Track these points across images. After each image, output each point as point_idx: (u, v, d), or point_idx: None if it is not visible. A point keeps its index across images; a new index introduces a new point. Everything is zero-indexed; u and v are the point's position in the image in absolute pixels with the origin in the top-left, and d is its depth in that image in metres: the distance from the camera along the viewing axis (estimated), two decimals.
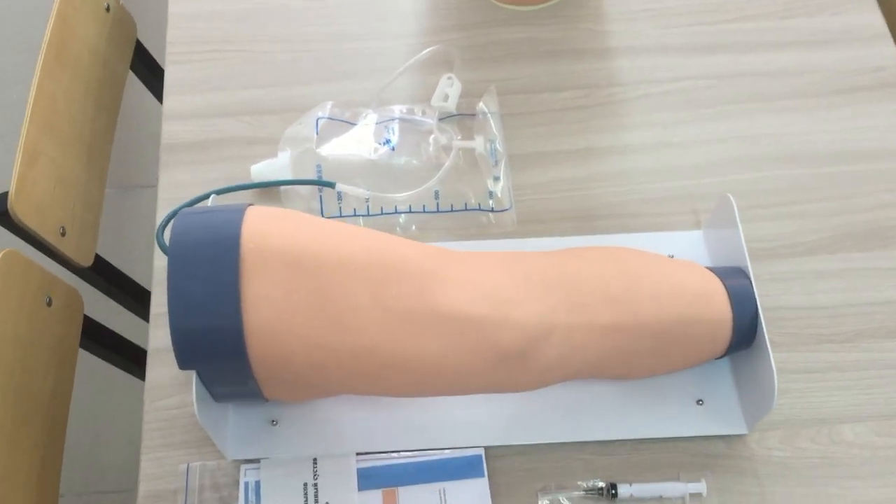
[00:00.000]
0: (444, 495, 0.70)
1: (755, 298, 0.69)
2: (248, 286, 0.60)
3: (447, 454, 0.72)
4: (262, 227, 0.62)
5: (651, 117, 0.89)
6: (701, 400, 0.74)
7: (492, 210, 0.83)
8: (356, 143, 0.86)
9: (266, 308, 0.59)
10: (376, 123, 0.87)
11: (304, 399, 0.68)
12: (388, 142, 0.86)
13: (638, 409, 0.73)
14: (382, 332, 0.60)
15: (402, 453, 0.72)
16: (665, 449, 0.73)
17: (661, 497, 0.71)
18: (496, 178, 0.85)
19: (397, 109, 0.88)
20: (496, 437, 0.72)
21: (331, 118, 0.87)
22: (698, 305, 0.67)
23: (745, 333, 0.69)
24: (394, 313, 0.60)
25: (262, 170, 0.84)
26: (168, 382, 0.75)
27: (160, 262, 0.80)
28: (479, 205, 0.83)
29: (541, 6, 0.96)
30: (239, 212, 0.63)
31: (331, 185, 0.80)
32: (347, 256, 0.61)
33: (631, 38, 0.94)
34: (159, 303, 0.78)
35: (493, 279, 0.63)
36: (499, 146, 0.86)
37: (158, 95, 1.13)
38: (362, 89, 0.91)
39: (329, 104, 0.88)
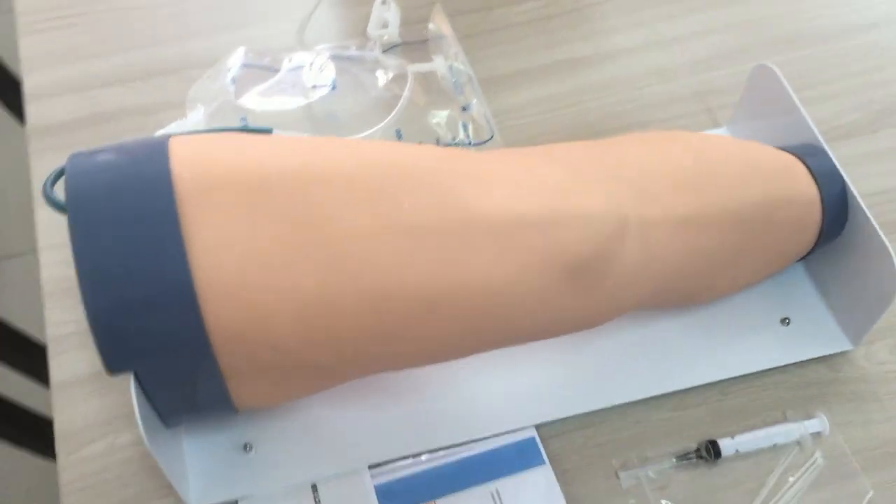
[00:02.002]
0: (499, 497, 0.52)
1: (841, 172, 0.55)
2: (195, 230, 0.41)
3: (490, 444, 0.53)
4: (197, 150, 0.44)
5: (631, 17, 0.75)
6: (786, 318, 0.58)
7: (470, 143, 0.66)
8: (286, 90, 0.67)
9: (224, 254, 0.41)
10: (306, 66, 0.69)
11: (286, 399, 0.48)
12: (328, 83, 0.68)
13: (714, 345, 0.57)
14: (400, 260, 0.41)
15: (432, 455, 0.53)
16: (758, 387, 0.57)
17: (774, 446, 0.54)
18: (465, 108, 0.68)
19: (328, 48, 0.70)
20: (548, 411, 0.55)
21: (247, 65, 0.69)
22: (781, 183, 0.52)
23: (837, 215, 0.54)
24: (413, 232, 0.42)
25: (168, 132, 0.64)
26: (85, 423, 0.54)
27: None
28: (454, 138, 0.66)
29: None
30: (160, 142, 0.44)
31: (266, 130, 0.62)
32: (330, 169, 0.43)
33: None
34: (59, 319, 0.57)
35: (538, 172, 0.45)
36: (462, 67, 0.69)
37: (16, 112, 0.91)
38: (277, 33, 0.73)
39: (242, 50, 0.69)
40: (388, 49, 0.71)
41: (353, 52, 0.70)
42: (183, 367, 0.43)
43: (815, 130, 0.57)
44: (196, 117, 0.64)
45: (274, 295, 0.41)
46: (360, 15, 0.73)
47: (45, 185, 0.46)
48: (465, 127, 0.67)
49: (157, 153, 0.43)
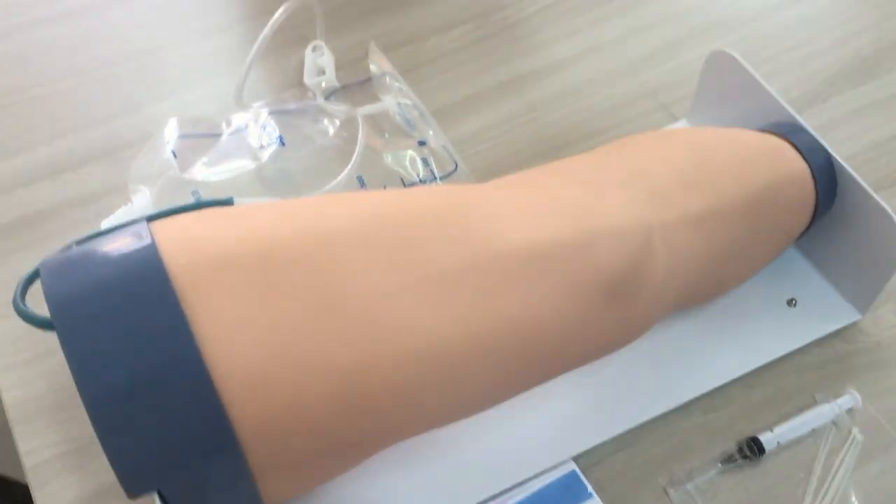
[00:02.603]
0: None
1: (824, 144, 0.54)
2: (203, 319, 0.37)
3: (532, 488, 0.50)
4: (184, 231, 0.40)
5: (564, 27, 0.74)
6: (792, 300, 0.57)
7: (436, 178, 0.64)
8: (231, 155, 0.63)
9: (240, 340, 0.37)
10: (248, 126, 0.65)
11: (318, 484, 0.44)
12: (275, 139, 0.64)
13: (728, 340, 0.56)
14: (435, 312, 0.38)
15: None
16: (780, 374, 0.55)
17: (811, 431, 0.53)
18: (422, 143, 0.65)
19: (266, 104, 0.67)
20: (581, 440, 0.52)
21: (184, 136, 0.64)
22: (778, 164, 0.51)
23: (828, 187, 0.54)
24: (441, 280, 0.39)
25: (119, 222, 0.59)
26: None
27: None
28: (419, 175, 0.63)
29: None
30: (139, 228, 0.40)
31: (226, 202, 0.57)
32: (336, 228, 0.40)
33: None
34: (33, 446, 0.51)
35: (553, 193, 0.43)
36: (410, 101, 0.67)
37: None
38: (205, 97, 0.69)
39: (174, 121, 0.65)
40: (329, 95, 0.68)
41: (293, 104, 0.67)
42: (210, 473, 0.38)
43: (789, 108, 0.56)
44: (143, 200, 0.59)
45: (304, 374, 0.37)
46: (292, 65, 0.70)
47: (14, 298, 0.41)
48: (426, 162, 0.64)
49: (140, 240, 0.39)
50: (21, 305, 0.40)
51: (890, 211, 0.51)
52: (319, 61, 0.68)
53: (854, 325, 0.57)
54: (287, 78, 0.69)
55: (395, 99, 0.66)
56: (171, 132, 0.64)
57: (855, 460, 0.52)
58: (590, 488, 0.50)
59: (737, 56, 0.59)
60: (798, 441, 0.53)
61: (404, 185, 0.63)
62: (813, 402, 0.54)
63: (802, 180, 0.52)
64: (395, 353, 0.38)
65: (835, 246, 0.57)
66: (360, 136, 0.64)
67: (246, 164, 0.63)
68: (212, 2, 0.76)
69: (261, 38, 0.62)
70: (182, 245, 0.39)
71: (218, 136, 0.65)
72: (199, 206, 0.47)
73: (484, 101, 0.69)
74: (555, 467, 0.51)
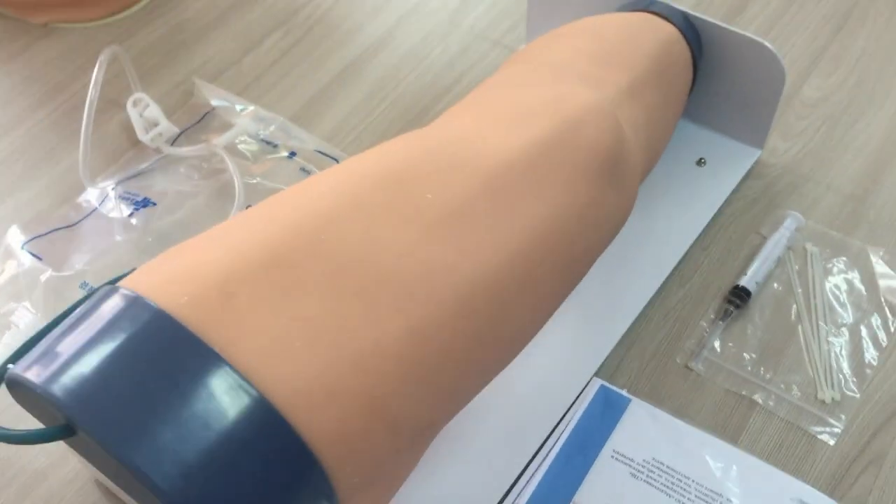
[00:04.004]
0: (620, 454, 0.47)
1: (676, 6, 0.57)
2: (233, 351, 0.32)
3: (572, 421, 0.49)
4: (167, 273, 0.34)
5: (367, 5, 0.73)
6: (701, 159, 0.60)
7: None
8: (101, 234, 0.56)
9: (280, 352, 0.32)
10: (102, 203, 0.58)
11: (395, 491, 0.40)
12: (140, 203, 0.57)
13: (668, 216, 0.57)
14: (461, 249, 0.36)
15: (533, 469, 0.47)
16: (723, 227, 0.57)
17: (777, 260, 0.55)
18: (292, 155, 0.61)
19: (115, 178, 0.60)
20: (595, 354, 0.51)
21: (37, 237, 0.56)
22: (658, 33, 0.53)
23: (695, 40, 0.56)
24: (454, 218, 0.36)
25: (9, 349, 0.50)
26: None
27: None
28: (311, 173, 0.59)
29: (126, 13, 0.73)
30: (106, 291, 0.34)
31: (122, 276, 0.50)
32: (327, 208, 0.36)
33: None
34: None
35: (513, 101, 0.41)
36: (265, 117, 0.62)
37: None
38: (42, 190, 0.60)
39: (14, 229, 0.56)
40: (174, 143, 0.62)
41: (144, 164, 0.60)
42: None
43: None
44: (27, 316, 0.51)
45: (357, 365, 0.33)
46: (113, 129, 0.63)
47: None
48: (307, 171, 0.61)
49: (123, 301, 0.33)
50: (8, 431, 0.33)
51: (757, 38, 0.55)
52: (146, 114, 0.61)
53: (757, 161, 0.61)
54: (117, 144, 0.63)
55: (247, 119, 0.61)
56: (14, 239, 0.56)
57: (821, 270, 0.55)
58: (625, 393, 0.50)
59: None
60: (770, 275, 0.55)
61: None
62: (763, 239, 0.57)
63: (677, 40, 0.54)
64: (439, 303, 0.35)
65: (719, 99, 0.60)
66: (231, 167, 0.59)
67: (123, 238, 0.56)
68: None
69: (88, 104, 0.55)
70: (171, 285, 0.34)
71: (73, 224, 0.57)
72: (94, 293, 0.41)
73: (331, 95, 0.66)
74: (584, 391, 0.50)
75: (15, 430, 0.33)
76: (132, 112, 0.62)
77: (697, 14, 0.56)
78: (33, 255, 0.55)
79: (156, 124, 0.62)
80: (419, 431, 0.37)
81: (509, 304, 0.37)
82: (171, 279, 0.34)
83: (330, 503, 0.34)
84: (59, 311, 0.51)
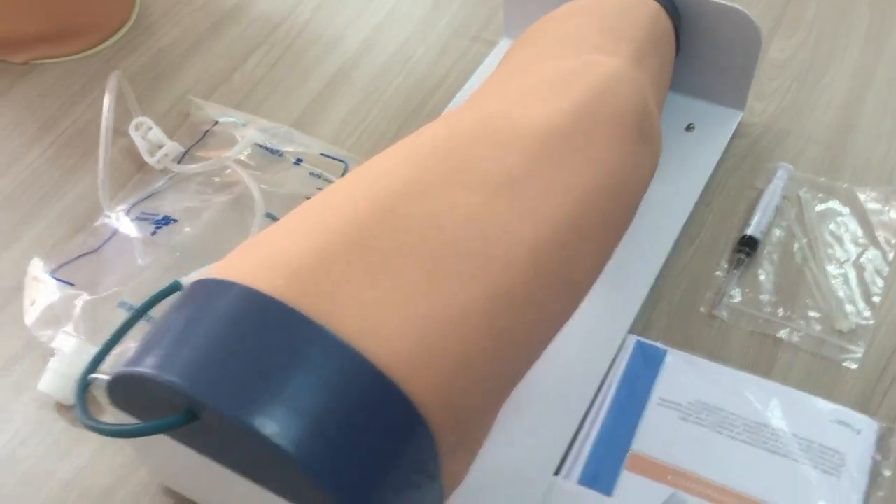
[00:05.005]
0: (670, 401, 0.50)
1: None
2: (336, 320, 0.34)
3: (614, 379, 0.51)
4: (253, 261, 0.36)
5: (343, 14, 0.75)
6: (690, 125, 0.63)
7: (343, 172, 0.61)
8: (128, 255, 0.57)
9: (378, 318, 0.34)
10: (120, 227, 0.58)
11: (478, 451, 0.42)
12: (161, 221, 0.58)
13: (670, 180, 0.60)
14: (525, 207, 0.38)
15: (586, 429, 0.49)
16: (719, 185, 0.61)
17: (776, 209, 0.59)
18: (297, 161, 0.63)
19: (128, 201, 0.60)
20: (626, 312, 0.54)
21: (65, 263, 0.56)
22: (646, 9, 0.56)
23: (674, 12, 0.59)
24: (513, 182, 0.39)
25: (59, 374, 0.50)
26: None
27: None
28: (320, 189, 0.61)
29: (104, 45, 0.74)
30: (200, 285, 0.36)
31: (175, 289, 0.51)
32: (398, 183, 0.38)
33: None
34: None
35: (542, 76, 0.44)
36: (269, 125, 0.64)
37: None
38: (54, 222, 0.60)
39: (36, 262, 0.56)
40: (180, 161, 0.63)
41: (156, 186, 0.61)
42: (408, 469, 0.35)
43: None
44: (70, 341, 0.51)
45: (451, 327, 0.35)
46: (115, 156, 0.64)
47: (98, 425, 0.34)
48: (318, 175, 0.62)
49: (228, 291, 0.34)
50: (126, 426, 0.34)
51: (732, 5, 0.59)
52: (150, 136, 0.62)
53: (741, 122, 0.65)
54: (123, 169, 0.63)
55: (253, 131, 0.63)
56: (39, 270, 0.56)
57: (816, 213, 0.59)
58: (659, 345, 0.53)
59: None
60: (771, 223, 0.59)
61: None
62: (759, 191, 0.60)
63: (661, 13, 0.58)
64: (509, 267, 0.37)
65: (699, 68, 0.63)
66: (246, 178, 0.60)
67: (153, 257, 0.56)
68: None
69: (104, 130, 0.56)
70: (264, 271, 0.35)
71: (96, 249, 0.57)
72: (149, 306, 0.42)
73: (324, 102, 0.68)
74: (621, 348, 0.52)
75: (132, 425, 0.34)
76: (135, 136, 0.63)
77: None
78: (64, 281, 0.55)
79: (160, 146, 0.62)
80: (504, 388, 0.39)
81: (573, 258, 0.40)
82: (261, 266, 0.36)
83: (433, 465, 0.36)
84: (100, 332, 0.52)
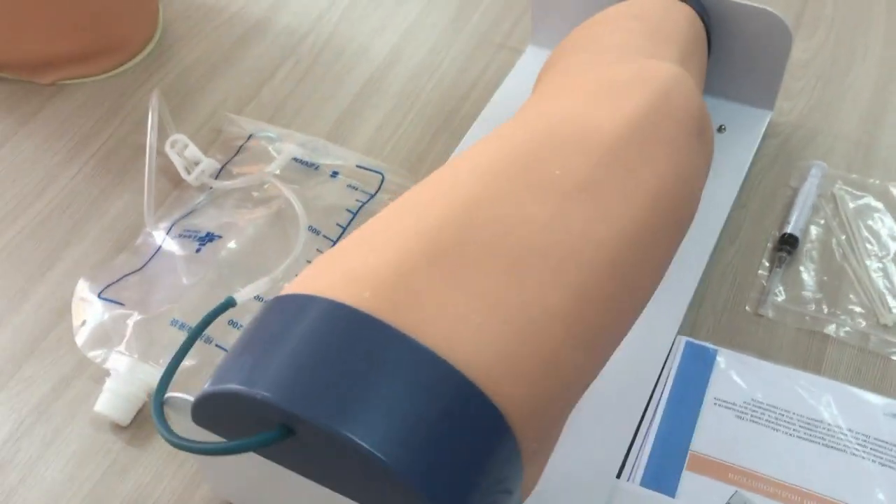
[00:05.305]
0: (727, 402, 0.50)
1: None
2: (423, 330, 0.34)
3: (668, 380, 0.52)
4: (336, 275, 0.36)
5: (369, 24, 0.75)
6: (721, 126, 0.64)
7: (372, 196, 0.62)
8: (174, 273, 0.57)
9: (464, 327, 0.35)
10: (163, 244, 0.59)
11: (552, 450, 0.42)
12: (205, 238, 0.58)
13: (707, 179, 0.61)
14: (598, 215, 0.39)
15: (644, 435, 0.50)
16: (755, 185, 0.62)
17: (812, 207, 0.60)
18: (334, 174, 0.63)
19: (169, 219, 0.60)
20: (674, 313, 0.54)
21: (111, 284, 0.56)
22: (683, 12, 0.57)
23: (704, 15, 0.60)
24: (584, 188, 0.39)
25: (116, 394, 0.50)
26: None
27: None
28: (359, 202, 0.61)
29: (130, 63, 0.74)
30: (284, 298, 0.36)
31: (230, 304, 0.51)
32: (473, 191, 0.39)
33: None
34: None
35: (598, 84, 0.44)
36: (302, 139, 0.64)
37: None
38: (96, 243, 0.60)
39: (82, 283, 0.56)
40: (217, 177, 0.63)
41: (196, 202, 0.61)
42: (501, 477, 0.35)
43: None
44: (123, 360, 0.51)
45: (534, 332, 0.36)
46: (166, 173, 0.64)
47: (187, 444, 0.34)
48: (354, 188, 0.62)
49: (314, 307, 0.35)
50: (223, 444, 0.34)
51: (762, 6, 0.59)
52: (187, 153, 0.62)
53: (770, 122, 0.65)
54: (160, 186, 0.63)
55: (291, 145, 0.63)
56: (86, 291, 0.56)
57: (852, 210, 0.60)
58: (710, 345, 0.53)
59: None
60: (808, 221, 0.59)
61: (352, 213, 0.61)
62: (794, 190, 0.61)
63: (695, 16, 0.58)
64: (585, 271, 0.37)
65: (729, 69, 0.64)
66: (286, 191, 0.60)
67: (195, 275, 0.56)
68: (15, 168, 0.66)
69: (148, 149, 0.56)
70: (348, 285, 0.35)
71: (141, 268, 0.58)
72: (207, 323, 0.43)
73: (356, 113, 0.68)
74: (672, 350, 0.53)
75: (227, 443, 0.34)
76: (171, 154, 0.63)
77: None
78: (113, 301, 0.55)
79: (196, 163, 0.63)
80: (581, 390, 0.39)
81: (643, 259, 0.40)
82: (345, 279, 0.36)
83: (517, 471, 0.37)
84: (153, 350, 0.52)
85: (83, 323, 0.55)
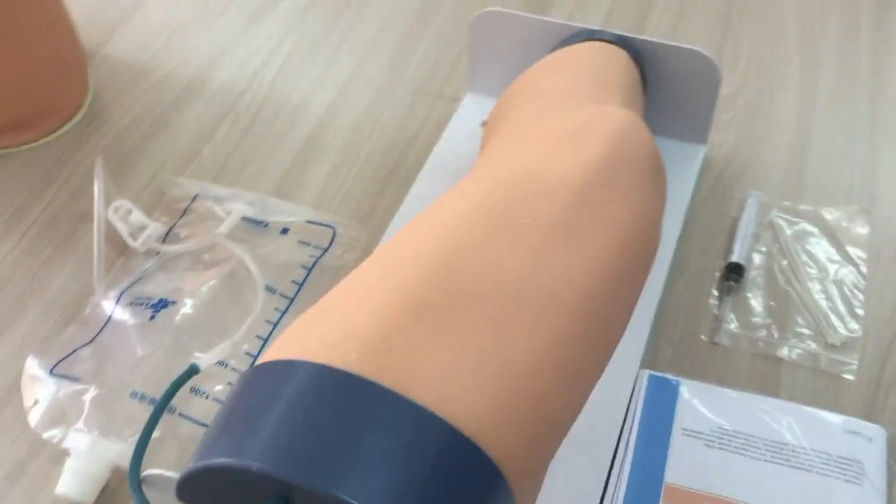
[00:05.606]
0: (693, 431, 0.52)
1: (616, 31, 0.63)
2: (411, 387, 0.34)
3: (635, 418, 0.53)
4: (321, 336, 0.36)
5: (306, 78, 0.75)
6: None
7: (326, 250, 0.62)
8: (129, 342, 0.55)
9: (452, 380, 0.35)
10: (112, 314, 0.57)
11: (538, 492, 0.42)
12: (159, 304, 0.57)
13: None
14: (572, 252, 0.40)
15: (617, 473, 0.51)
16: (695, 221, 0.64)
17: (753, 236, 0.62)
18: (284, 231, 0.63)
19: (123, 283, 0.59)
20: (635, 346, 0.55)
21: (63, 359, 0.54)
22: (618, 58, 0.59)
23: (638, 58, 0.62)
24: (555, 231, 0.40)
25: (78, 474, 0.49)
26: None
27: None
28: (312, 258, 0.61)
29: (61, 130, 0.72)
30: (266, 365, 0.35)
31: (194, 371, 0.50)
32: (444, 246, 0.39)
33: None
34: None
35: (557, 133, 0.46)
36: (251, 198, 0.63)
37: None
38: (41, 318, 0.58)
39: (31, 360, 0.54)
40: (165, 241, 0.62)
41: (144, 268, 0.60)
42: None
43: (570, 23, 0.64)
44: (83, 438, 0.49)
45: (521, 375, 0.36)
46: (85, 243, 0.62)
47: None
48: (307, 243, 0.62)
49: (297, 372, 0.34)
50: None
51: (691, 47, 0.62)
52: (131, 219, 0.61)
53: (704, 156, 0.68)
54: (111, 252, 0.61)
55: (240, 204, 0.62)
56: (36, 368, 0.54)
57: (790, 236, 0.62)
58: (671, 377, 0.54)
59: (503, 10, 0.66)
60: (751, 249, 0.62)
61: (307, 270, 0.60)
62: (734, 220, 0.64)
63: (630, 60, 0.61)
64: (566, 314, 0.38)
65: (662, 108, 0.66)
66: (238, 252, 0.60)
67: (152, 344, 0.55)
68: None
69: (96, 218, 0.55)
70: (334, 347, 0.35)
71: (92, 340, 0.56)
72: (172, 393, 0.42)
73: (301, 168, 0.68)
74: (636, 385, 0.54)
75: None
76: (115, 220, 0.61)
77: (636, 36, 0.63)
78: (67, 376, 0.53)
79: (142, 228, 0.61)
80: (567, 430, 0.40)
81: (617, 298, 0.41)
82: (330, 343, 0.35)
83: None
84: (114, 425, 0.51)
85: (35, 402, 0.52)
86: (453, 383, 0.35)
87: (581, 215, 0.41)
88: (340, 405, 0.34)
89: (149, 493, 0.40)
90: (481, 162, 0.47)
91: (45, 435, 0.51)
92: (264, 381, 0.35)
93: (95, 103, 0.74)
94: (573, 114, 0.47)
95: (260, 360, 0.37)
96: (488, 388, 0.36)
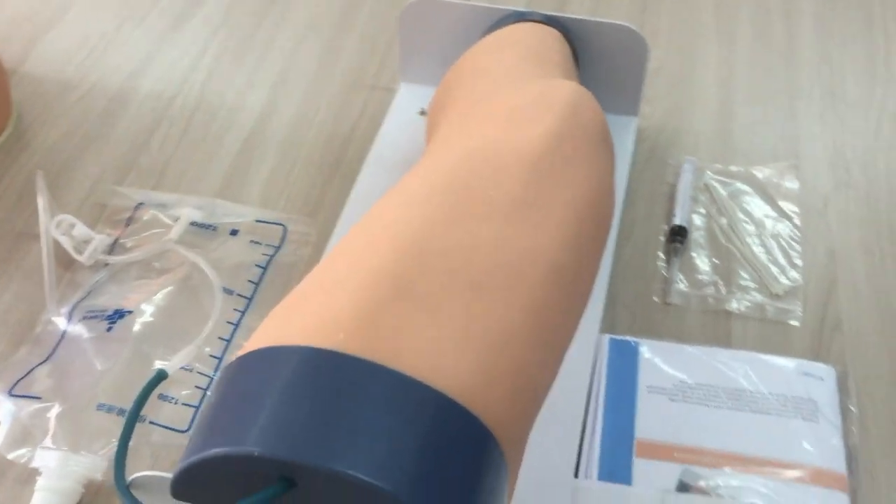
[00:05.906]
0: (659, 389, 0.53)
1: (545, 12, 0.65)
2: (399, 361, 0.35)
3: (600, 387, 0.54)
4: (305, 318, 0.37)
5: (237, 81, 0.75)
6: None
7: (279, 247, 0.61)
8: (87, 356, 0.54)
9: (437, 350, 0.36)
10: (66, 331, 0.56)
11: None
12: (114, 315, 0.56)
13: None
14: (536, 227, 0.41)
15: (584, 422, 0.52)
16: (637, 189, 0.66)
17: (691, 198, 0.65)
18: (233, 232, 0.62)
19: (74, 298, 0.57)
20: (591, 325, 0.57)
21: (21, 379, 0.53)
22: (549, 34, 0.61)
23: (568, 36, 0.64)
24: (508, 207, 0.41)
25: (51, 491, 0.47)
26: None
27: None
28: (268, 255, 0.61)
29: None
30: (255, 353, 0.36)
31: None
32: (419, 229, 0.40)
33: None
34: None
35: (509, 108, 0.47)
36: (196, 202, 0.63)
37: None
38: None
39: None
40: (112, 252, 0.61)
41: (95, 280, 0.58)
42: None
43: (498, 6, 0.66)
44: (52, 455, 0.48)
45: (504, 344, 0.37)
46: (35, 257, 0.61)
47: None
48: (258, 242, 0.62)
49: (291, 358, 0.35)
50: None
51: (620, 22, 0.64)
52: (75, 233, 0.60)
53: (637, 127, 0.70)
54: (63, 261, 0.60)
55: (188, 209, 0.62)
56: None
57: (726, 196, 0.65)
58: (631, 339, 0.56)
59: None
60: (691, 211, 0.64)
61: (262, 268, 0.60)
62: (672, 186, 0.66)
63: (562, 38, 0.62)
64: (538, 282, 0.39)
65: (594, 82, 0.68)
66: (192, 259, 0.59)
67: (112, 355, 0.54)
68: None
69: (44, 234, 0.53)
70: (319, 330, 0.35)
71: (48, 357, 0.54)
72: (158, 379, 0.42)
73: (243, 167, 0.68)
74: (598, 350, 0.56)
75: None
76: (58, 235, 0.60)
77: (565, 15, 0.65)
78: (27, 396, 0.52)
79: (87, 241, 0.60)
80: (546, 391, 0.41)
81: (583, 264, 0.42)
82: (314, 327, 0.36)
83: (505, 482, 0.38)
84: (82, 439, 0.50)
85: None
86: (440, 355, 0.36)
87: (543, 186, 0.42)
88: (334, 384, 0.34)
89: (138, 497, 0.39)
90: (436, 144, 0.48)
91: (11, 456, 0.50)
92: (253, 369, 0.35)
93: (21, 120, 0.72)
94: (522, 89, 0.48)
95: (241, 353, 0.37)
96: (473, 357, 0.36)
